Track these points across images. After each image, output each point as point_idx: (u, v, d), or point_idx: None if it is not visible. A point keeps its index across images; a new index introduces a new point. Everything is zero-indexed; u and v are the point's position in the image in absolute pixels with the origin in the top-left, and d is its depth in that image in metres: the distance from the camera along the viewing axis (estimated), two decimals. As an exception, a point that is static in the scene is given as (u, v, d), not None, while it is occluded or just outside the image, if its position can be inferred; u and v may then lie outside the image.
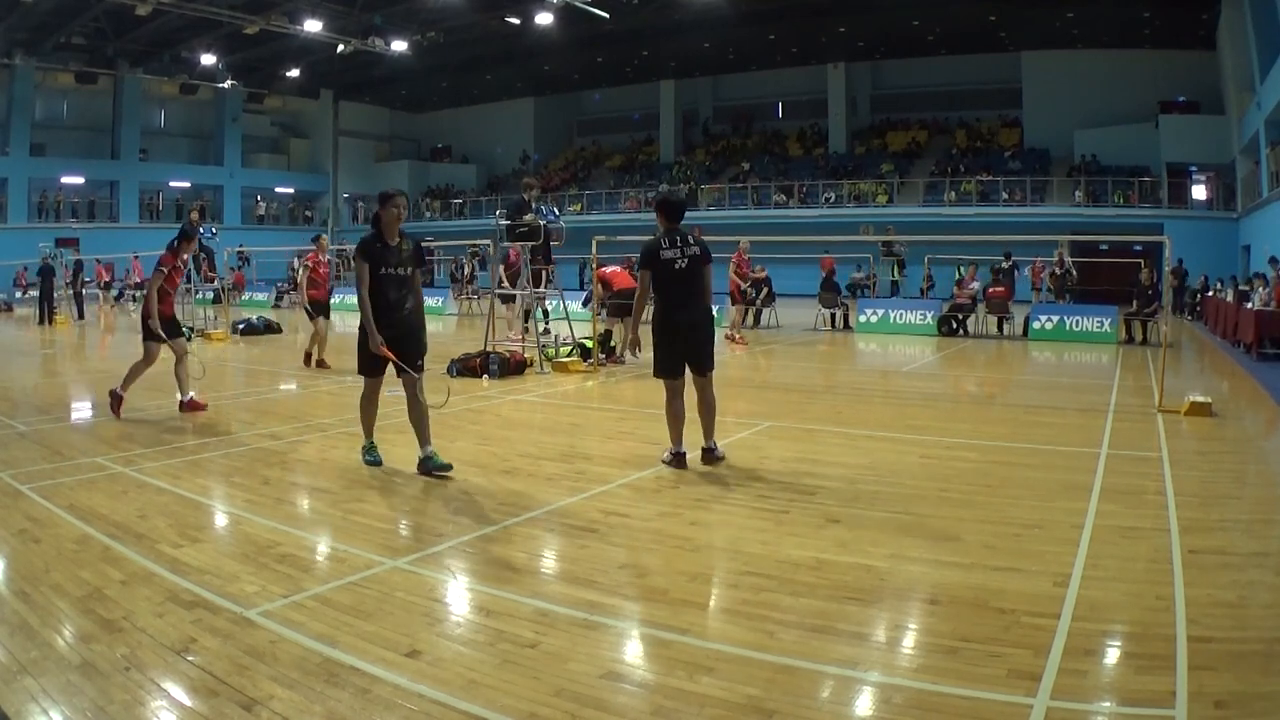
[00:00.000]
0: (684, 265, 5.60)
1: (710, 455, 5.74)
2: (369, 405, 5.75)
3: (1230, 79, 24.27)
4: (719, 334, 12.44)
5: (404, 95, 42.64)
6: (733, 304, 15.31)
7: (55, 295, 20.68)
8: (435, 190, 42.41)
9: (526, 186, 11.43)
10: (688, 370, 5.69)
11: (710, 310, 5.89)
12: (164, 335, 7.84)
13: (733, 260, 15.49)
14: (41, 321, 19.36)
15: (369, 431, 5.83)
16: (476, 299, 21.85)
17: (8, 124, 32.39)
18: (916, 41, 32.38)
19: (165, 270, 7.98)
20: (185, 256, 8.32)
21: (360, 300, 5.37)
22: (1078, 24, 28.61)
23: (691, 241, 5.67)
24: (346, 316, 20.24)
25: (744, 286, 15.57)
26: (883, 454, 6.28)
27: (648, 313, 6.00)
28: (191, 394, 7.96)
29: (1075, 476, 5.52)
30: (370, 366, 5.54)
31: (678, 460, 5.70)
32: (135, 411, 7.87)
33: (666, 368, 5.68)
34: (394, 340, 5.39)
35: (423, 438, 5.51)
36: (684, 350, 5.65)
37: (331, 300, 11.76)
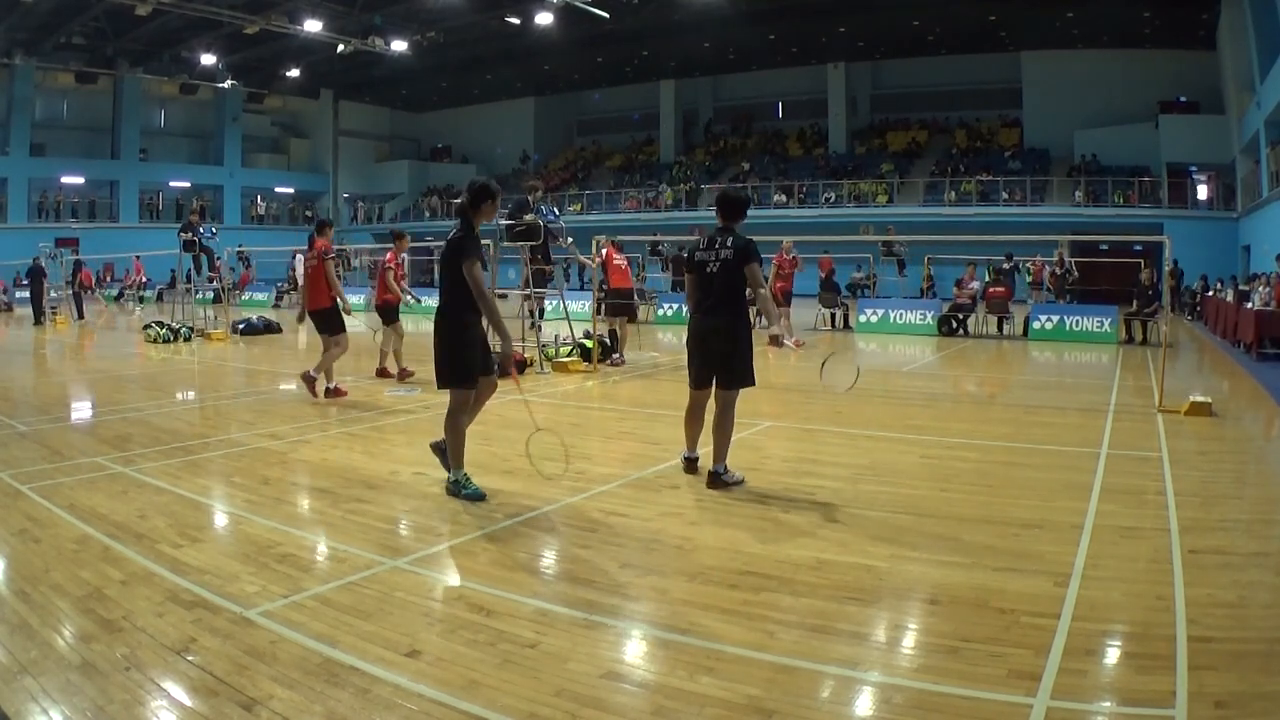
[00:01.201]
0: (714, 269, 5.19)
1: (716, 479, 5.19)
2: (462, 422, 5.02)
3: (1230, 79, 24.27)
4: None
5: (404, 95, 42.63)
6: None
7: (55, 295, 20.65)
8: (435, 190, 42.41)
9: (531, 189, 11.41)
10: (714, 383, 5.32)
11: (740, 318, 5.29)
12: (342, 326, 8.47)
13: (774, 261, 14.39)
14: (38, 322, 19.25)
15: (462, 458, 5.02)
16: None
17: (8, 124, 32.39)
18: (916, 41, 32.38)
19: (333, 256, 8.31)
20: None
21: (492, 306, 4.92)
22: (1078, 24, 28.61)
23: (729, 243, 5.17)
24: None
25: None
26: (883, 454, 6.28)
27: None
28: (334, 383, 8.52)
29: (1075, 476, 5.52)
30: (470, 375, 4.96)
31: (686, 465, 5.58)
32: (135, 411, 7.87)
33: (689, 375, 5.42)
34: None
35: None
36: (705, 359, 5.29)
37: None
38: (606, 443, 6.58)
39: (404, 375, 9.89)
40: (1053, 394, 10.17)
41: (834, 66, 35.81)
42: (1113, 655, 3.09)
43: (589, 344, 11.07)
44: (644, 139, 41.66)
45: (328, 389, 8.53)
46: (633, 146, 41.72)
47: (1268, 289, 14.26)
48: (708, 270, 5.22)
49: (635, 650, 3.12)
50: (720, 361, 5.23)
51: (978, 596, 3.51)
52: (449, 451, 5.06)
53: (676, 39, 32.26)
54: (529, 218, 10.64)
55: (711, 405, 5.37)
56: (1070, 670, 2.86)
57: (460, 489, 4.95)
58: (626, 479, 5.43)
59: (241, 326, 16.10)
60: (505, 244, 11.24)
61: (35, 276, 19.89)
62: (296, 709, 2.61)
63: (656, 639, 3.17)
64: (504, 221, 10.92)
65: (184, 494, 5.01)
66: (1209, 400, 7.91)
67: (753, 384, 5.31)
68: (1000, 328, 17.03)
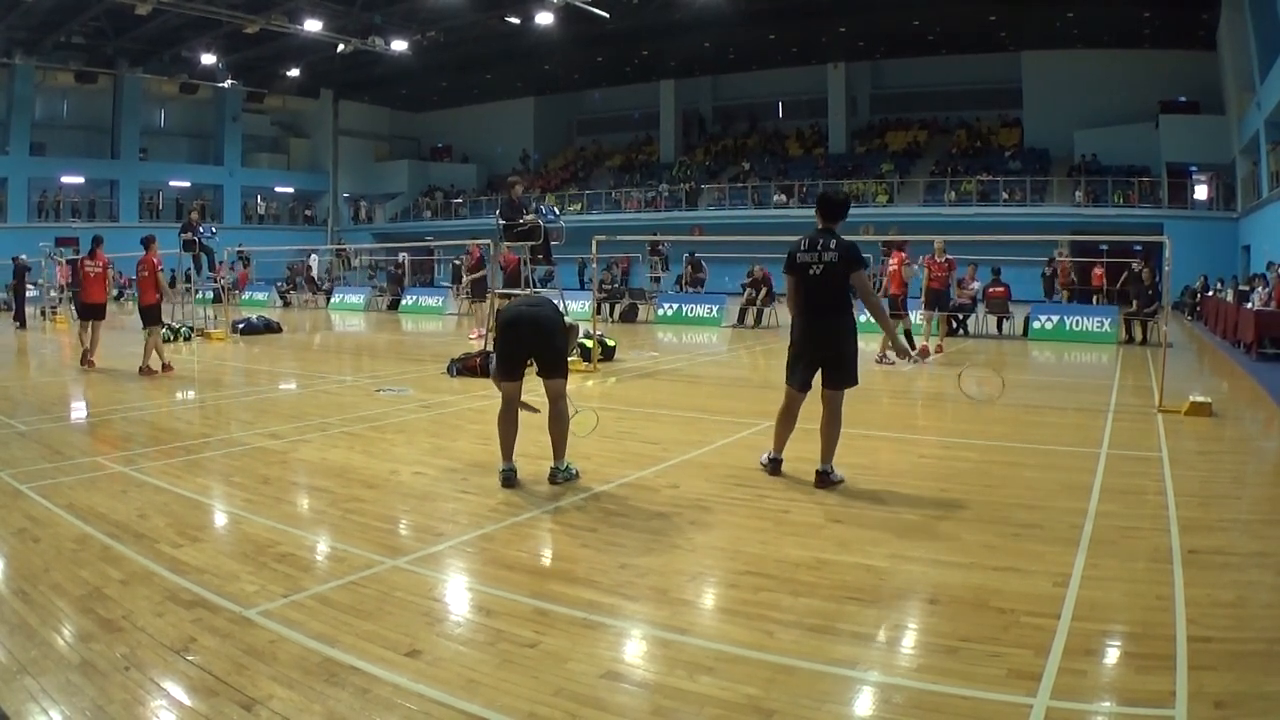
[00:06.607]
0: (818, 271, 5.16)
1: (825, 479, 5.22)
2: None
3: (1230, 79, 24.27)
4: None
5: (404, 95, 42.61)
6: (926, 308, 13.44)
7: (53, 295, 20.54)
8: (435, 190, 42.42)
9: (510, 185, 11.47)
10: (818, 384, 5.32)
11: (848, 318, 5.28)
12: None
13: (922, 263, 13.58)
14: (21, 326, 18.37)
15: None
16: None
17: (8, 123, 32.38)
18: (916, 41, 32.38)
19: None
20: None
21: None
22: (1078, 24, 28.61)
23: (833, 246, 5.17)
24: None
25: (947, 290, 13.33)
26: (883, 454, 6.28)
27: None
28: None
29: (1075, 476, 5.52)
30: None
31: (772, 466, 5.54)
32: (135, 411, 7.87)
33: (789, 376, 5.38)
34: None
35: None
36: (812, 360, 5.28)
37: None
38: (606, 442, 6.57)
39: (166, 369, 10.53)
40: (1052, 394, 10.17)
41: (834, 66, 35.81)
42: (1112, 655, 3.09)
43: (589, 344, 11.07)
44: (644, 139, 41.66)
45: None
46: (633, 146, 41.71)
47: (1267, 289, 14.27)
48: (810, 272, 5.20)
49: (635, 650, 3.12)
50: (832, 362, 5.25)
51: (977, 596, 3.51)
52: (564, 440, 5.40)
53: (676, 39, 32.25)
54: (529, 217, 10.65)
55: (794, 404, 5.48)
56: (1070, 670, 2.86)
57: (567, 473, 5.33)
58: (626, 479, 5.43)
59: (241, 326, 16.10)
60: (505, 244, 11.25)
61: (18, 277, 19.50)
62: (296, 709, 2.61)
63: (656, 639, 3.17)
64: (502, 222, 10.94)
65: (183, 493, 5.01)
66: (1209, 400, 7.91)
67: (856, 383, 5.36)
68: (1000, 328, 17.03)
